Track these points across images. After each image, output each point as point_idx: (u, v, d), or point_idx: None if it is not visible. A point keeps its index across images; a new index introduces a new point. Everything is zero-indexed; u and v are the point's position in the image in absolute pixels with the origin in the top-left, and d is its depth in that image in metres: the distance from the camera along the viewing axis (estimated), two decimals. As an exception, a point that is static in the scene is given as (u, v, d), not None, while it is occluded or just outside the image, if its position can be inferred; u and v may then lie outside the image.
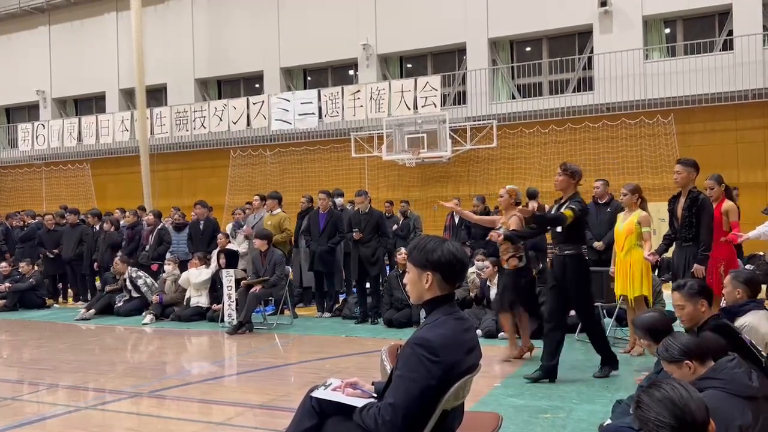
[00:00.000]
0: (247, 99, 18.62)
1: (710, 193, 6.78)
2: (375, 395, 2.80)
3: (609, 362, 6.04)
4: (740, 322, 3.96)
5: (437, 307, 2.71)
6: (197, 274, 10.06)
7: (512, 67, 17.57)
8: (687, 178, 6.16)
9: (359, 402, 2.69)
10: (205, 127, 18.93)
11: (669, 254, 6.69)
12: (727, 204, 6.64)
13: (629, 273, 6.69)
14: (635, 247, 6.67)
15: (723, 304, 4.58)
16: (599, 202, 8.61)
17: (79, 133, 20.93)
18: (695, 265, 5.96)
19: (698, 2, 15.40)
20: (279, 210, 10.40)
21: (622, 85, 15.48)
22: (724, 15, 15.44)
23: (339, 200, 11.39)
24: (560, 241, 5.99)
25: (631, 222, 6.74)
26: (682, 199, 6.20)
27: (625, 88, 15.44)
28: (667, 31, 16.35)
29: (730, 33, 15.10)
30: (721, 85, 14.64)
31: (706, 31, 15.69)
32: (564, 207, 5.89)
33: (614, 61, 15.56)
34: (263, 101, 18.25)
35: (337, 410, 2.74)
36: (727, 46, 15.14)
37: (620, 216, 7.04)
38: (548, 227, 6.23)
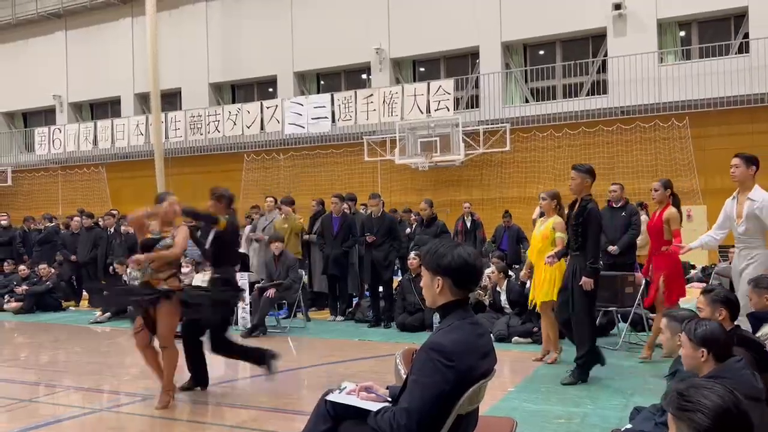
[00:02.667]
0: (261, 103, 18.74)
1: (654, 195, 6.55)
2: (389, 399, 2.80)
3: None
4: (765, 330, 3.93)
5: (451, 312, 2.70)
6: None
7: (525, 70, 17.52)
8: (580, 185, 5.86)
9: (374, 406, 2.69)
10: (219, 131, 19.07)
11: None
12: (670, 211, 6.36)
13: (543, 278, 6.49)
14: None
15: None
16: (614, 206, 8.55)
17: (95, 137, 21.14)
18: (583, 277, 5.69)
19: (713, 5, 15.29)
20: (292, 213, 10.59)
21: (636, 88, 15.39)
22: (739, 18, 15.32)
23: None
24: (211, 263, 5.92)
25: (547, 227, 6.61)
26: (576, 207, 5.95)
27: (640, 91, 15.35)
28: (682, 34, 16.24)
29: (746, 36, 14.98)
30: (736, 88, 14.51)
31: (721, 33, 15.56)
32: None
33: (628, 64, 15.47)
34: (277, 105, 18.35)
35: (352, 414, 2.74)
36: (743, 49, 15.02)
37: (539, 221, 6.91)
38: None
